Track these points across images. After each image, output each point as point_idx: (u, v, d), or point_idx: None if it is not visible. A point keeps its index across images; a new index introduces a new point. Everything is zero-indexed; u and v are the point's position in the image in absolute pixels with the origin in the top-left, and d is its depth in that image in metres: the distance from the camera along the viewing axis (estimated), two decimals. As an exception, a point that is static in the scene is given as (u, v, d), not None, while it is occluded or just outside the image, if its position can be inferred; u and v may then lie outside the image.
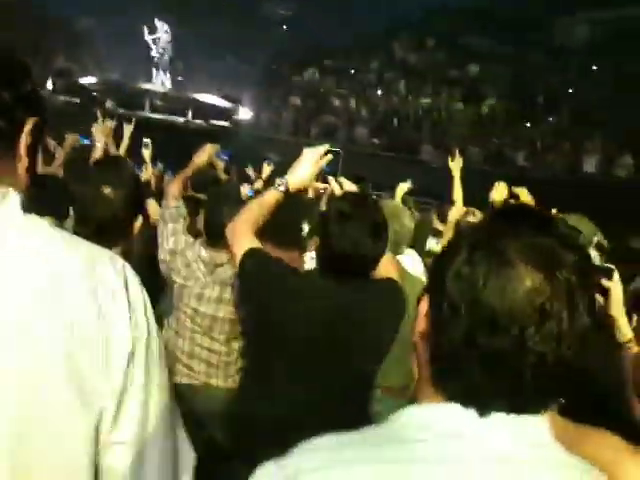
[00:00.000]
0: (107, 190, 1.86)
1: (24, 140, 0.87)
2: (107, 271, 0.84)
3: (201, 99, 13.13)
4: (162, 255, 2.49)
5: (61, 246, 0.83)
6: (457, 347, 0.66)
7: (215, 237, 2.45)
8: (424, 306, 0.73)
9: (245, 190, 4.63)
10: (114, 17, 19.07)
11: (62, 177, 3.92)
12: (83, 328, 0.79)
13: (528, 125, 16.84)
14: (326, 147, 1.98)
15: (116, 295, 0.83)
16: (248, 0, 21.23)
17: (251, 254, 1.81)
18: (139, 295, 0.88)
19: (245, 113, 14.08)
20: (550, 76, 19.03)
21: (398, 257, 2.65)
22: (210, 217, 2.51)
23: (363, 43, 20.63)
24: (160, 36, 13.20)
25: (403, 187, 4.79)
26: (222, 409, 2.21)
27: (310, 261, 2.98)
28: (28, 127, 0.87)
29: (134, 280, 0.88)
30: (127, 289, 0.85)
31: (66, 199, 2.64)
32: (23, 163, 0.88)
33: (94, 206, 1.85)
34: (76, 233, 1.74)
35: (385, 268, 1.92)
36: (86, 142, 5.57)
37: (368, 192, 5.41)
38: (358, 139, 15.32)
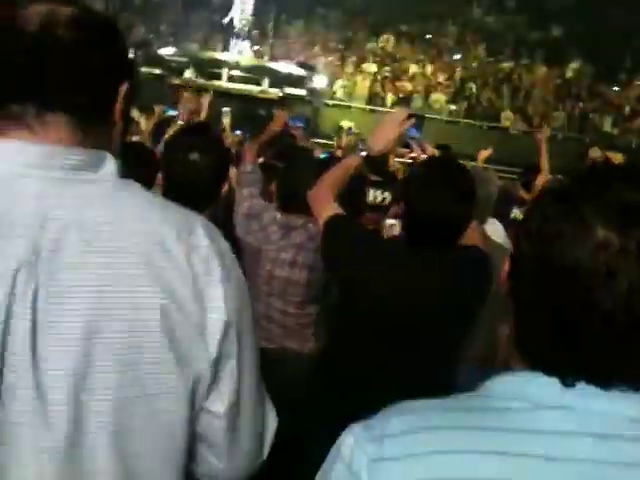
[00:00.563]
0: (194, 156, 1.89)
1: (119, 104, 0.87)
2: (201, 238, 0.83)
3: (276, 68, 13.11)
4: (238, 218, 2.55)
5: (158, 210, 0.84)
6: (528, 308, 0.65)
7: (289, 201, 2.47)
8: (505, 266, 0.72)
9: (318, 153, 4.65)
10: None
11: (149, 145, 4.05)
12: (178, 293, 0.79)
13: (615, 89, 15.93)
14: (408, 110, 1.94)
15: (210, 263, 0.82)
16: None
17: (336, 220, 1.81)
18: (232, 263, 0.87)
19: (320, 80, 13.97)
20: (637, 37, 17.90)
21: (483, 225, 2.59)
22: (284, 182, 2.54)
23: (440, 6, 19.98)
24: (244, 4, 13.17)
25: (484, 154, 4.69)
26: (303, 371, 2.23)
27: (389, 228, 2.95)
28: (123, 91, 0.87)
29: (227, 248, 0.88)
30: (221, 257, 0.84)
31: (153, 166, 2.72)
32: (117, 128, 0.89)
33: (182, 172, 1.89)
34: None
35: (470, 236, 1.87)
36: (171, 112, 5.72)
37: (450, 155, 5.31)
38: (436, 106, 14.97)
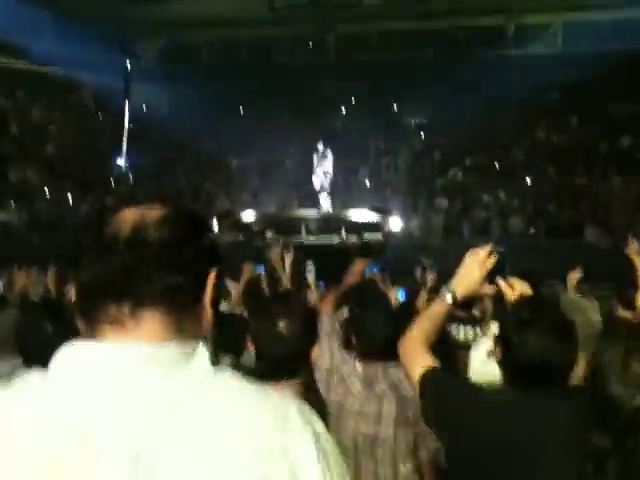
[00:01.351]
0: (282, 325, 1.93)
1: (209, 292, 0.93)
2: (297, 424, 0.84)
3: (352, 216, 13.56)
4: (318, 374, 2.51)
5: (251, 401, 0.85)
6: None
7: (368, 349, 2.44)
8: None
9: (394, 294, 4.63)
10: (261, 153, 20.81)
11: (240, 312, 4.19)
12: None
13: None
14: (489, 247, 1.91)
15: (307, 452, 0.83)
16: (386, 114, 22.22)
17: (431, 374, 1.77)
18: (329, 444, 0.87)
19: (395, 222, 14.29)
20: None
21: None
22: (361, 329, 2.52)
23: (503, 135, 20.46)
24: (324, 160, 14.04)
25: (574, 276, 4.54)
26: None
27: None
28: (212, 280, 0.94)
29: (323, 429, 0.88)
30: (317, 439, 0.85)
31: (243, 333, 2.79)
32: (207, 314, 0.94)
33: (270, 342, 1.92)
34: (256, 368, 1.84)
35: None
36: (260, 270, 5.94)
37: (539, 286, 5.18)
38: (514, 231, 14.87)
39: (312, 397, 2.22)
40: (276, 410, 0.85)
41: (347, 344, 2.78)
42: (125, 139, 9.67)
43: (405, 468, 2.37)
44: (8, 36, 19.88)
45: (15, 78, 22.61)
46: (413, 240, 14.35)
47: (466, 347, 3.55)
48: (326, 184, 14.02)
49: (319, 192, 14.17)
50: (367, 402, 2.40)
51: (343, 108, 23.37)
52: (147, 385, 0.82)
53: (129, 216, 0.91)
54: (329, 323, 2.71)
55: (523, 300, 1.86)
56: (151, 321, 0.87)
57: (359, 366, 2.49)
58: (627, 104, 20.61)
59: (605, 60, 18.21)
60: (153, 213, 0.91)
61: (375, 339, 2.42)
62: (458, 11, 22.96)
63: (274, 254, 4.23)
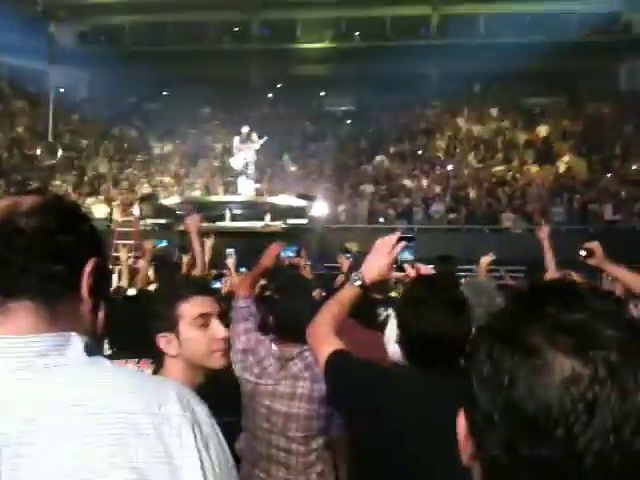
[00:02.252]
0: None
1: (85, 282, 0.90)
2: (173, 409, 0.81)
3: (277, 202, 13.54)
4: (234, 356, 2.50)
5: (126, 389, 0.82)
6: (500, 464, 0.55)
7: (284, 331, 2.46)
8: (461, 424, 0.63)
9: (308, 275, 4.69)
10: (190, 135, 20.48)
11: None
12: (150, 472, 0.76)
13: (609, 176, 16.25)
14: (398, 234, 1.96)
15: (182, 433, 0.80)
16: (311, 103, 22.28)
17: (338, 357, 1.77)
18: (209, 429, 0.84)
19: (321, 208, 14.37)
20: (622, 124, 18.55)
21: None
22: (279, 313, 2.54)
23: (426, 124, 20.97)
24: (242, 149, 13.88)
25: (486, 260, 4.71)
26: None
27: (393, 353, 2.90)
28: (88, 268, 0.90)
29: (203, 412, 0.85)
30: (197, 425, 0.82)
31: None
32: (86, 305, 0.90)
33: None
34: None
35: None
36: (162, 244, 5.83)
37: (454, 270, 5.34)
38: (436, 217, 15.27)
39: (224, 376, 2.19)
40: (152, 395, 0.82)
41: (263, 326, 2.77)
42: (50, 124, 9.29)
43: (317, 444, 2.38)
44: None
45: None
46: (338, 225, 14.49)
47: (383, 327, 3.64)
48: (247, 169, 13.89)
49: (237, 176, 14.04)
50: (283, 382, 2.40)
51: (270, 95, 23.28)
52: (17, 373, 0.79)
53: (1, 205, 0.88)
54: (244, 305, 2.71)
55: (419, 279, 1.91)
56: (22, 313, 0.84)
57: (275, 347, 2.49)
58: (544, 95, 21.54)
59: (524, 51, 18.84)
60: (26, 200, 0.88)
61: (291, 321, 2.42)
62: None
63: (192, 223, 4.15)
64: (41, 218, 0.87)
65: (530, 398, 0.53)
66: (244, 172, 13.89)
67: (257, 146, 13.99)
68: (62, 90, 21.21)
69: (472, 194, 16.09)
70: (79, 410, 0.77)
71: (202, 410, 0.85)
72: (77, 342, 0.85)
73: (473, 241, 11.63)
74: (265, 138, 14.20)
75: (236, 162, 14.02)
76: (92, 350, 0.86)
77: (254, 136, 14.03)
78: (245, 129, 14.10)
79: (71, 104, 21.04)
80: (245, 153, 13.83)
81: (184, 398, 0.84)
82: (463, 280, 3.54)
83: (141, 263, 4.81)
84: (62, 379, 0.80)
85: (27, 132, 20.13)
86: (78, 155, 19.87)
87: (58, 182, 17.57)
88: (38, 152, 19.07)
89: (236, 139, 14.09)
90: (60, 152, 19.20)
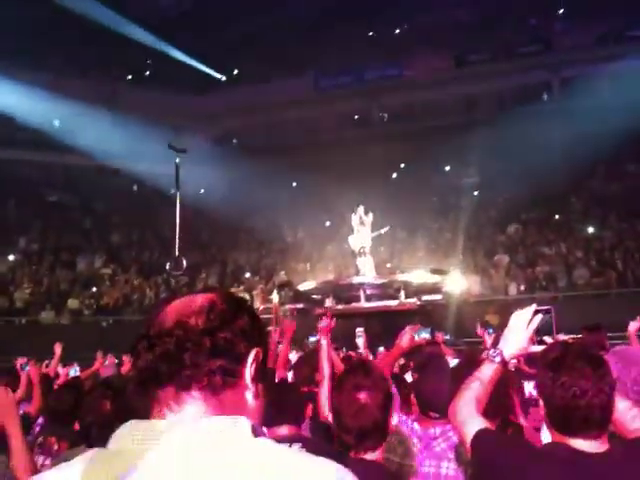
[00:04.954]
0: (362, 396, 1.94)
1: (249, 372, 0.99)
2: None
3: (410, 279, 13.44)
4: None
5: (288, 469, 0.88)
6: None
7: (425, 409, 2.43)
8: None
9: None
10: (316, 224, 21.09)
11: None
12: None
13: None
14: (534, 307, 1.94)
15: None
16: (436, 177, 22.32)
17: (485, 436, 1.73)
18: None
19: (455, 282, 14.06)
20: None
21: None
22: (418, 389, 2.52)
23: (560, 186, 20.07)
24: (367, 226, 14.03)
25: (634, 325, 4.39)
26: None
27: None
28: (250, 359, 1.00)
29: None
30: None
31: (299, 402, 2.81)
32: (251, 392, 1.00)
33: (352, 414, 1.91)
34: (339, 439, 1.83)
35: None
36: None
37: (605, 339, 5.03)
38: (580, 282, 14.41)
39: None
40: (313, 476, 0.87)
41: (404, 406, 2.77)
42: (177, 226, 10.16)
43: None
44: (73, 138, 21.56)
45: (79, 175, 24.21)
46: (475, 298, 14.07)
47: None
48: (365, 247, 13.84)
49: (358, 256, 13.98)
50: (427, 462, 2.36)
51: (394, 175, 23.65)
52: (194, 458, 0.87)
53: (174, 306, 1.01)
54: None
55: (552, 345, 1.86)
56: (192, 402, 0.95)
57: (417, 426, 2.47)
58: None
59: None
60: (197, 300, 1.01)
61: (431, 398, 2.41)
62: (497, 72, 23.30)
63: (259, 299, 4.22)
64: (206, 317, 0.98)
65: None
66: (363, 251, 13.88)
67: (369, 223, 13.97)
68: (202, 191, 22.89)
69: (617, 255, 15.05)
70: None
71: None
72: (245, 424, 0.93)
73: (625, 305, 10.81)
74: (388, 227, 14.22)
75: (355, 242, 14.07)
76: (257, 431, 0.94)
77: (370, 215, 14.10)
78: (361, 209, 14.21)
79: (210, 203, 22.53)
80: (362, 232, 13.90)
81: (346, 478, 0.89)
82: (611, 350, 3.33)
83: (281, 347, 4.96)
84: (231, 460, 0.87)
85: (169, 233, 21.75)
86: (219, 249, 21.14)
87: (203, 275, 18.75)
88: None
89: (353, 218, 14.19)
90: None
